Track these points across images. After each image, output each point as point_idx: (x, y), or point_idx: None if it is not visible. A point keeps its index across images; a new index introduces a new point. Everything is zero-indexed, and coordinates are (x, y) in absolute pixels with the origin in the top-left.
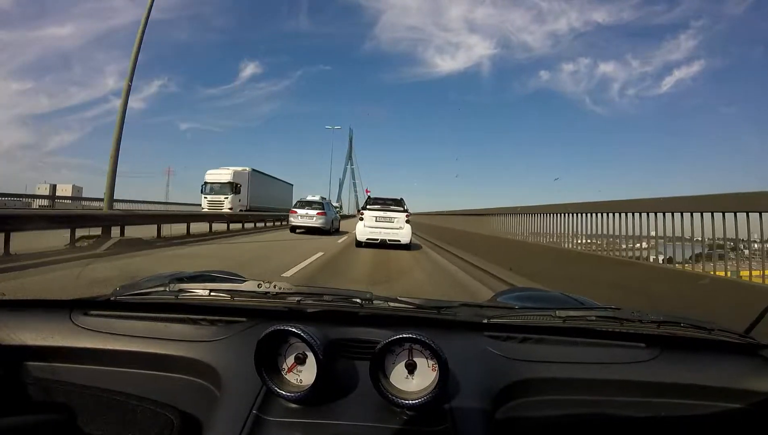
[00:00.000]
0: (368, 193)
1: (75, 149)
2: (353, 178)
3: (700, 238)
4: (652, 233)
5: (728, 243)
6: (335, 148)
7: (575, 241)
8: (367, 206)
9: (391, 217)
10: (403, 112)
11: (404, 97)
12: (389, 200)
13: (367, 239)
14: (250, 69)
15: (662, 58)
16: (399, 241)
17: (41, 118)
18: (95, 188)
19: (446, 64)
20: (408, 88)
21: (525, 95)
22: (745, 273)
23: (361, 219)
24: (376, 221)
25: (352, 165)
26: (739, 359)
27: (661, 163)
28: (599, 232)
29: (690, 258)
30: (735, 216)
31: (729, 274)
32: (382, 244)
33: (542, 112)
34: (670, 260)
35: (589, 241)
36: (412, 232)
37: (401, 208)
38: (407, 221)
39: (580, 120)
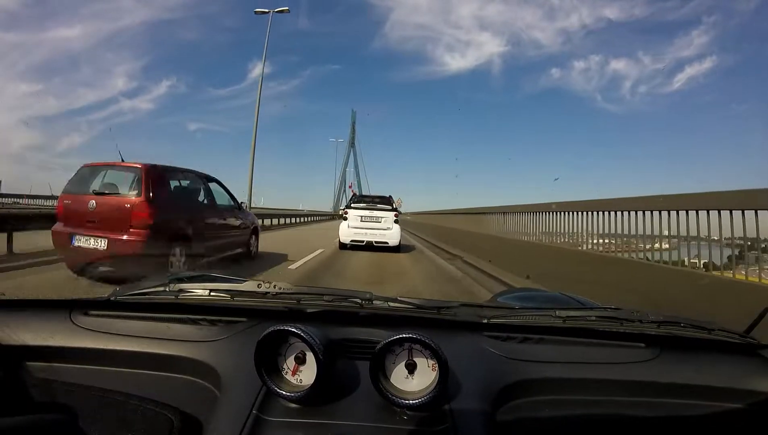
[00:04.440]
0: (352, 190)
1: (85, 150)
2: (356, 167)
3: (708, 237)
4: (666, 232)
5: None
6: (334, 146)
7: (589, 241)
8: (352, 205)
9: (378, 217)
10: (411, 110)
11: (414, 95)
12: (376, 198)
13: (352, 241)
14: (258, 69)
15: (674, 54)
16: (386, 242)
17: (51, 119)
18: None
19: (456, 63)
20: (418, 86)
21: (536, 93)
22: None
23: (345, 219)
24: (361, 221)
25: (355, 152)
26: (739, 359)
27: (674, 160)
28: (608, 231)
29: (729, 259)
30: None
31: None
32: (369, 247)
33: (553, 110)
34: (706, 266)
35: (601, 241)
36: (413, 233)
37: (389, 207)
38: (396, 221)
39: (592, 118)
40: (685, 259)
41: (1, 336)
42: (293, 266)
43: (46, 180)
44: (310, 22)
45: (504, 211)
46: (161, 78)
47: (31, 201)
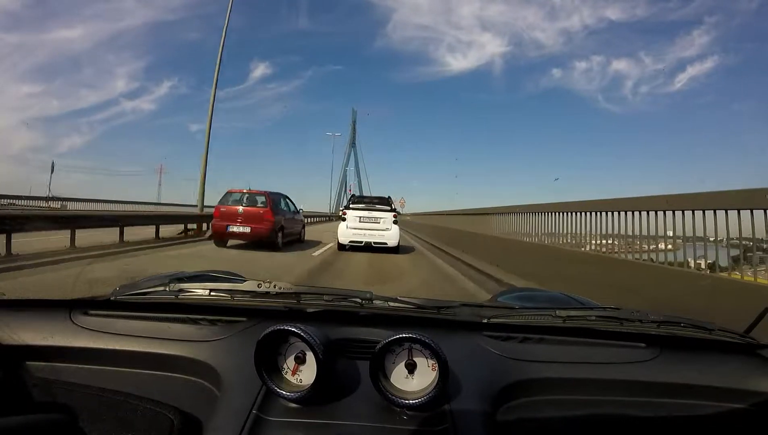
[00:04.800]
0: (351, 192)
1: (86, 151)
2: (357, 166)
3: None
4: (669, 233)
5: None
6: (334, 146)
7: (592, 242)
8: (350, 205)
9: (377, 218)
10: (412, 111)
11: (415, 96)
12: (375, 199)
13: (350, 242)
14: (260, 70)
15: (676, 54)
16: (385, 243)
17: (52, 120)
18: (106, 190)
19: (458, 63)
20: (419, 87)
21: (537, 94)
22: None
23: (344, 219)
24: (359, 222)
25: (355, 152)
26: (739, 359)
27: (676, 160)
28: (611, 232)
29: (734, 259)
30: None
31: None
32: (367, 247)
33: (555, 110)
34: (711, 266)
35: (602, 241)
36: (415, 235)
37: (388, 208)
38: (395, 222)
39: (593, 118)
40: (690, 260)
41: (1, 336)
42: (329, 245)
43: (47, 181)
44: (311, 23)
45: (511, 211)
46: (162, 79)
47: (28, 202)
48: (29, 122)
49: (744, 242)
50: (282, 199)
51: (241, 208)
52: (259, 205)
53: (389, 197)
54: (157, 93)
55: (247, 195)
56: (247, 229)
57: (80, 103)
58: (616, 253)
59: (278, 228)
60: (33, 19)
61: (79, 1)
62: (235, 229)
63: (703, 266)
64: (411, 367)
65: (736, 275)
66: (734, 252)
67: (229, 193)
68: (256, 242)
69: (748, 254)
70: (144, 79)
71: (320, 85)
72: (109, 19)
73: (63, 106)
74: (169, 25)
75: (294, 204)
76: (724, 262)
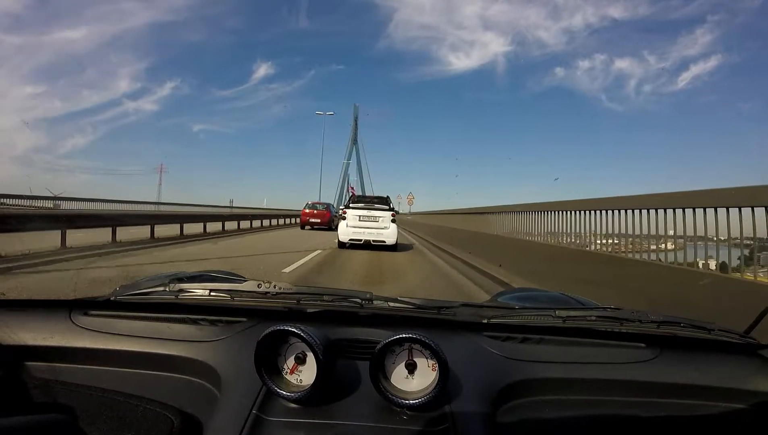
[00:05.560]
0: (353, 192)
1: (89, 152)
2: (359, 163)
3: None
4: (670, 232)
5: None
6: (335, 146)
7: (596, 242)
8: (350, 205)
9: (376, 217)
10: (415, 111)
11: (417, 95)
12: (375, 198)
13: (350, 240)
14: (262, 70)
15: (679, 53)
16: (384, 241)
17: (55, 121)
18: (106, 189)
19: (461, 62)
20: (421, 86)
21: (540, 93)
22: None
23: (344, 218)
24: (359, 221)
25: (357, 150)
26: (739, 359)
27: (678, 160)
28: (615, 231)
29: (739, 258)
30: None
31: None
32: (366, 245)
33: (558, 109)
34: (723, 267)
35: (603, 241)
36: (415, 234)
37: (386, 207)
38: (393, 221)
39: (597, 117)
40: (690, 259)
41: (1, 336)
42: None
43: (50, 181)
44: (313, 23)
45: (513, 210)
46: (165, 80)
47: (18, 201)
48: (32, 123)
49: (746, 242)
50: (331, 205)
51: (315, 211)
52: (322, 208)
53: (388, 197)
54: (159, 93)
55: (316, 203)
56: (318, 220)
57: (83, 104)
58: (615, 252)
59: (331, 220)
60: (36, 20)
61: (80, 2)
62: (312, 220)
63: (703, 265)
64: (411, 368)
65: (737, 274)
66: (736, 252)
67: (308, 203)
68: (320, 226)
69: (757, 255)
70: (146, 80)
71: (322, 85)
72: (111, 21)
73: (66, 107)
74: (170, 27)
75: (332, 205)
76: (726, 261)
